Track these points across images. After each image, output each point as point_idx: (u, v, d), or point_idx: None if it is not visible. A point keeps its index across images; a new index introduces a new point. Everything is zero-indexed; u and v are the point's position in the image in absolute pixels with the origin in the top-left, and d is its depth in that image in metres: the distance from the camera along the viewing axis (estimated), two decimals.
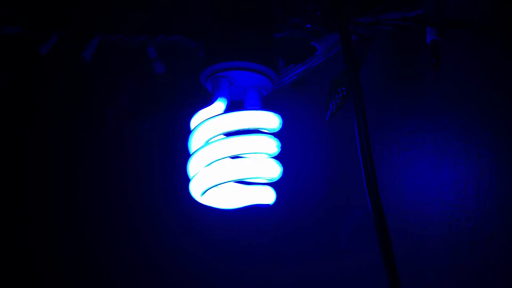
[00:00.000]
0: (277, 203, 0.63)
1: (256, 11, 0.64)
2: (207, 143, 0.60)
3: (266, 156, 0.60)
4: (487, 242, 0.74)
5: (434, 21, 0.68)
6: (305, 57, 0.71)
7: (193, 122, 0.63)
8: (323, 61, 0.72)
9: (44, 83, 0.99)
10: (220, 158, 0.58)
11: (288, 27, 0.70)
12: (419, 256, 0.78)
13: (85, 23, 0.85)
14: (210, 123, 0.60)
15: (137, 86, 0.96)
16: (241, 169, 0.59)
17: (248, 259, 0.89)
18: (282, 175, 0.61)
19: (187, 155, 0.60)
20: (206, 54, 0.63)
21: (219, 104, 0.62)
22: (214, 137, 0.60)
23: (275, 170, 0.60)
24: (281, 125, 0.61)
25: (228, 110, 0.62)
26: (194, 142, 0.61)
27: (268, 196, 0.63)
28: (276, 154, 0.60)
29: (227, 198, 0.63)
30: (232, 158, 0.60)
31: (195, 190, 0.60)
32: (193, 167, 0.60)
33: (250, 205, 0.63)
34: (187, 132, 0.64)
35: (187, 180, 0.60)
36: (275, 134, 0.61)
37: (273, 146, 0.59)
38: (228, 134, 0.60)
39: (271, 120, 0.61)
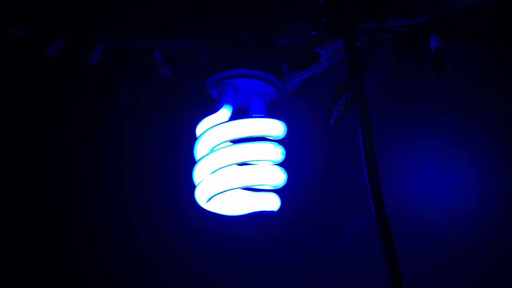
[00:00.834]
0: (280, 207, 0.64)
1: (260, 19, 0.65)
2: (212, 150, 0.60)
3: (271, 163, 0.61)
4: (490, 248, 0.75)
5: (437, 28, 0.69)
6: (309, 64, 0.71)
7: (199, 129, 0.64)
8: (327, 67, 0.73)
9: (44, 83, 0.99)
10: (225, 165, 0.59)
11: (293, 34, 0.70)
12: (422, 261, 0.78)
13: (91, 27, 0.86)
14: (215, 131, 0.60)
15: (138, 87, 0.96)
16: (246, 176, 0.59)
17: (249, 260, 0.89)
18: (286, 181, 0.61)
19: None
20: (212, 61, 0.63)
21: (225, 111, 0.63)
22: (219, 144, 0.60)
23: (280, 177, 0.60)
24: (285, 133, 0.62)
25: (233, 117, 0.63)
26: (199, 149, 0.61)
27: (273, 203, 0.63)
28: (280, 161, 0.61)
29: (232, 204, 0.64)
30: (237, 165, 0.60)
31: (201, 196, 0.60)
32: (198, 174, 0.60)
33: (255, 212, 0.64)
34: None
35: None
36: (280, 141, 0.61)
37: (278, 153, 0.60)
38: (234, 141, 0.61)
39: (276, 128, 0.61)
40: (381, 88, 0.82)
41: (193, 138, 0.63)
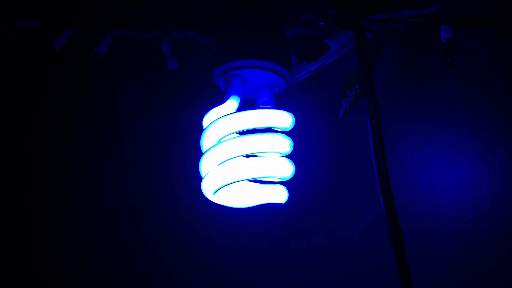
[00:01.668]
0: (288, 200, 0.63)
1: (269, 9, 0.64)
2: (219, 141, 0.60)
3: (279, 155, 0.60)
4: (501, 242, 0.74)
5: (449, 19, 0.68)
6: (318, 55, 0.70)
7: (206, 121, 0.63)
8: (336, 58, 0.72)
9: (44, 83, 0.99)
10: (232, 157, 0.58)
11: (301, 25, 0.70)
12: (432, 255, 0.77)
13: (99, 18, 0.85)
14: (222, 122, 0.60)
15: (141, 84, 0.96)
16: (254, 168, 0.59)
17: (255, 257, 0.89)
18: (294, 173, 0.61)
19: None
20: (219, 52, 0.63)
21: (232, 103, 0.62)
22: (226, 135, 0.60)
23: (288, 169, 0.60)
24: (293, 124, 0.61)
25: (240, 108, 0.62)
26: (206, 141, 0.61)
27: (280, 195, 0.63)
28: (288, 153, 0.60)
29: (239, 197, 0.63)
30: (244, 157, 0.60)
31: (208, 188, 0.60)
32: (205, 166, 0.60)
33: (262, 204, 0.63)
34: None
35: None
36: (288, 133, 0.60)
37: (286, 145, 0.59)
38: (241, 133, 0.60)
39: (283, 119, 0.60)
40: (391, 80, 0.81)
41: (199, 131, 0.62)
